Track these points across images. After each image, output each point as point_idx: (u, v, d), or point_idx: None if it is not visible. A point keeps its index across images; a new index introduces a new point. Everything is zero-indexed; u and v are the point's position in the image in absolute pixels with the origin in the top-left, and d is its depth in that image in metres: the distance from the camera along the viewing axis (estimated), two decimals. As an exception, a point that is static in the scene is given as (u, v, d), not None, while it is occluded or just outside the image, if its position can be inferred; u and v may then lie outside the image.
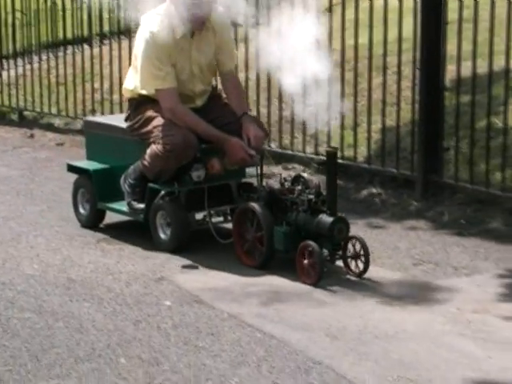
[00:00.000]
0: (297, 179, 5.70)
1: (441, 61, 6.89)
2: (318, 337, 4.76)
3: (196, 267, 5.71)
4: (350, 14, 7.47)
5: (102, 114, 9.11)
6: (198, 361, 4.45)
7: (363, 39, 7.28)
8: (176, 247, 5.76)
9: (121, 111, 8.21)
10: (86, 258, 6.00)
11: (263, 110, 7.92)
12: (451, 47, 6.90)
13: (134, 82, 5.97)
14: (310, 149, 7.59)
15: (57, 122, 9.78)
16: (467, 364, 4.33)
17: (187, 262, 5.78)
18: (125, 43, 9.02)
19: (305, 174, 5.93)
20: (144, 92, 5.86)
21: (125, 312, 5.11)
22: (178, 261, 6.00)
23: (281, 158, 7.56)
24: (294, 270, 5.43)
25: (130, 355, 4.50)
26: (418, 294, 5.28)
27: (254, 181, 6.03)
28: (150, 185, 5.81)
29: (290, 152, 7.69)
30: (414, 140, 7.05)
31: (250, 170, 6.13)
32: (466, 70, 6.80)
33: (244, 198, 5.81)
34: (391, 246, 6.12)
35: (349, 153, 7.36)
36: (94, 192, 6.27)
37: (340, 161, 6.59)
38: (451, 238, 6.30)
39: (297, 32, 5.67)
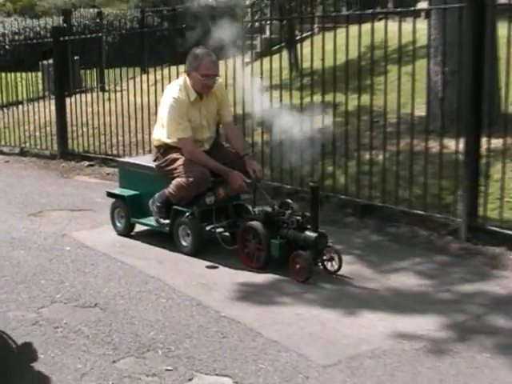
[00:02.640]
0: (284, 204, 6.64)
1: None
2: (154, 263, 6.62)
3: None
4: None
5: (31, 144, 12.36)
6: (85, 279, 6.18)
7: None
8: (195, 251, 6.79)
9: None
10: (21, 225, 7.98)
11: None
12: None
13: (160, 134, 7.08)
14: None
15: (4, 149, 12.93)
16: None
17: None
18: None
19: (289, 200, 6.68)
20: (169, 141, 6.95)
21: (43, 254, 6.88)
22: (78, 224, 7.93)
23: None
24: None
25: (47, 278, 6.20)
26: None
27: (246, 203, 7.17)
28: (175, 207, 6.88)
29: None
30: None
31: (245, 197, 7.23)
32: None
33: (245, 218, 6.73)
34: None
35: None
36: (127, 211, 7.43)
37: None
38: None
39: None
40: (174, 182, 6.89)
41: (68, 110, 12.03)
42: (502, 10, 8.04)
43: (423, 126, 7.64)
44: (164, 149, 7.07)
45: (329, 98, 8.16)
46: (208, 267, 6.51)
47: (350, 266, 6.35)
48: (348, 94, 7.82)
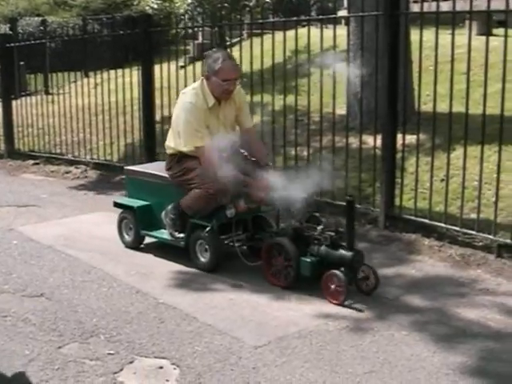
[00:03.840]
0: (312, 218, 5.81)
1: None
2: (96, 255, 6.52)
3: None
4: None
5: None
6: (31, 271, 6.11)
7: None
8: (213, 267, 5.98)
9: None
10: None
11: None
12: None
13: (175, 142, 6.22)
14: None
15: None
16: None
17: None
18: None
19: (317, 214, 5.90)
20: (185, 149, 6.07)
21: (-10, 247, 6.72)
22: (24, 219, 7.83)
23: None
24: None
25: (-5, 271, 5.99)
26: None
27: (266, 215, 6.34)
28: (192, 220, 6.08)
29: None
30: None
31: (265, 208, 6.30)
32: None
33: (270, 233, 6.04)
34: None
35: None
36: (137, 223, 6.57)
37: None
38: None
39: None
40: (191, 193, 6.11)
41: (14, 112, 11.90)
42: (414, 17, 8.17)
43: (344, 124, 7.66)
44: (179, 157, 6.22)
45: (257, 98, 8.20)
46: (147, 258, 6.47)
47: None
48: (274, 95, 7.85)
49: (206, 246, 6.05)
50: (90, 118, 10.64)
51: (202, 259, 6.08)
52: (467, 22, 7.97)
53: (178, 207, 6.23)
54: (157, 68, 9.53)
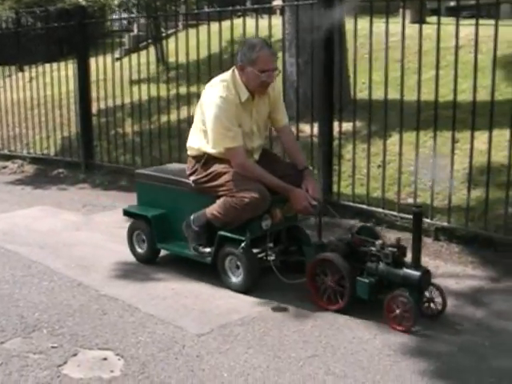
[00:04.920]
0: (363, 230, 5.16)
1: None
2: (36, 249, 6.46)
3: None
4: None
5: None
6: None
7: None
8: (248, 287, 5.26)
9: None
10: None
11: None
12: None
13: (199, 142, 5.47)
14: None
15: None
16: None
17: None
18: None
19: (369, 225, 5.49)
20: (214, 151, 5.34)
21: None
22: None
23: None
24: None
25: None
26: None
27: (302, 225, 5.73)
28: (221, 233, 5.32)
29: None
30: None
31: (304, 217, 5.89)
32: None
33: (315, 248, 5.17)
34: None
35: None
36: (151, 234, 5.85)
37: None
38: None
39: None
40: (220, 201, 5.30)
41: None
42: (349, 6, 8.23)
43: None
44: (205, 160, 5.45)
45: (193, 89, 8.18)
46: (87, 250, 6.43)
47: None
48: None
49: (238, 263, 5.31)
50: (25, 113, 10.59)
51: (233, 278, 5.36)
52: (401, 11, 8.11)
53: (203, 218, 5.46)
54: (92, 61, 9.48)
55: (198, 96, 5.80)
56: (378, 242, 4.86)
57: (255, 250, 5.44)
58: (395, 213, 6.57)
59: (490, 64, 5.86)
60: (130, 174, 8.37)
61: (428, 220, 6.29)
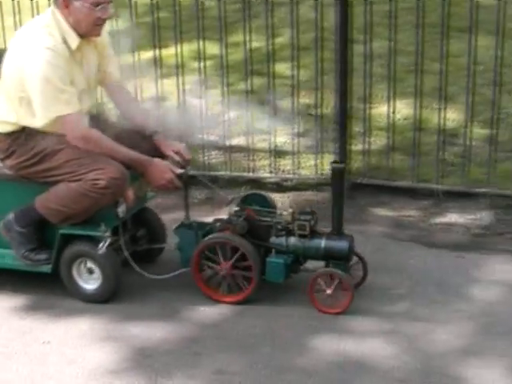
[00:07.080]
0: (250, 198, 4.29)
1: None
2: None
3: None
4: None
5: None
6: None
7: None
8: (111, 295, 4.19)
9: None
10: None
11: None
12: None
13: (14, 113, 4.10)
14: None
15: None
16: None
17: None
18: None
19: (259, 192, 4.41)
20: (40, 123, 4.02)
21: None
22: None
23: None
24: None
25: None
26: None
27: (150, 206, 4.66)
28: (62, 231, 4.10)
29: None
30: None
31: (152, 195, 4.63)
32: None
33: (217, 227, 4.14)
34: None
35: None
36: None
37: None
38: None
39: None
40: (57, 189, 4.05)
41: None
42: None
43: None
44: (25, 136, 4.11)
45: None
46: None
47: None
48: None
49: (93, 266, 4.17)
50: None
51: (87, 286, 4.24)
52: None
53: (31, 214, 4.19)
54: None
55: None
56: (288, 211, 4.11)
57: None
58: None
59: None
60: None
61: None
